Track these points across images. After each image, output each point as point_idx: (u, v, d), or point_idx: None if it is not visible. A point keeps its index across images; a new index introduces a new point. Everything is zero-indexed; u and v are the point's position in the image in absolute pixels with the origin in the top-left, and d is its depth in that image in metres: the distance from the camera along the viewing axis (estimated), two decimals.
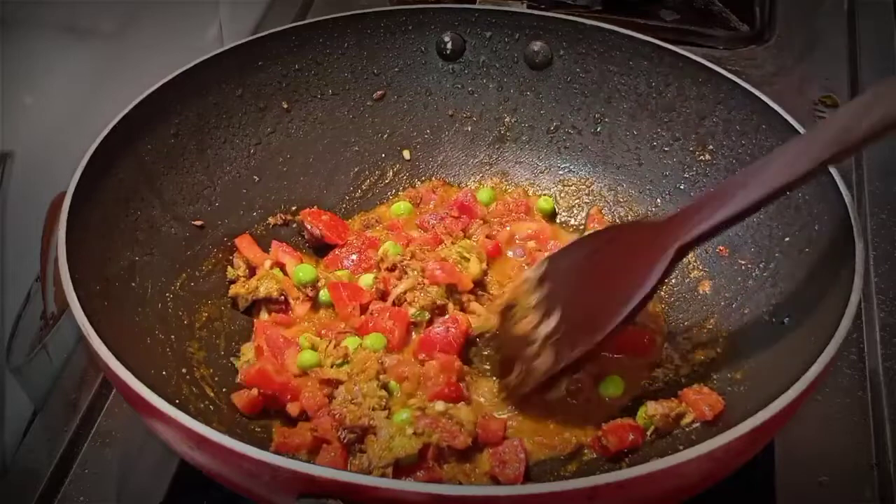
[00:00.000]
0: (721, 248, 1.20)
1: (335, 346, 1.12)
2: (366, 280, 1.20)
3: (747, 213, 0.96)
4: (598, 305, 1.04)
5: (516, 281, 1.17)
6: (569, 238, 1.30)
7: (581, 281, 1.09)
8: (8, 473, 1.14)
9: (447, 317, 1.15)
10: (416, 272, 1.17)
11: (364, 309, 1.17)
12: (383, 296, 1.18)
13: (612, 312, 1.02)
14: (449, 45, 1.36)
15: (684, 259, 1.22)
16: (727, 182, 1.02)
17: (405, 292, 1.17)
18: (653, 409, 1.04)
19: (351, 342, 1.12)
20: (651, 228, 1.05)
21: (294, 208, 1.30)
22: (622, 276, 1.03)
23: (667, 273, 1.00)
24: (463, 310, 1.18)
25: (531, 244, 1.28)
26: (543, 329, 1.07)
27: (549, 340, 1.06)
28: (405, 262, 1.19)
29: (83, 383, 1.23)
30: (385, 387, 1.08)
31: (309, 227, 1.28)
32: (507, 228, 1.29)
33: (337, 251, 1.27)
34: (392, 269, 1.20)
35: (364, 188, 1.36)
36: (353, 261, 1.24)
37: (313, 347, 1.13)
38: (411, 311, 1.15)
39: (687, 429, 1.04)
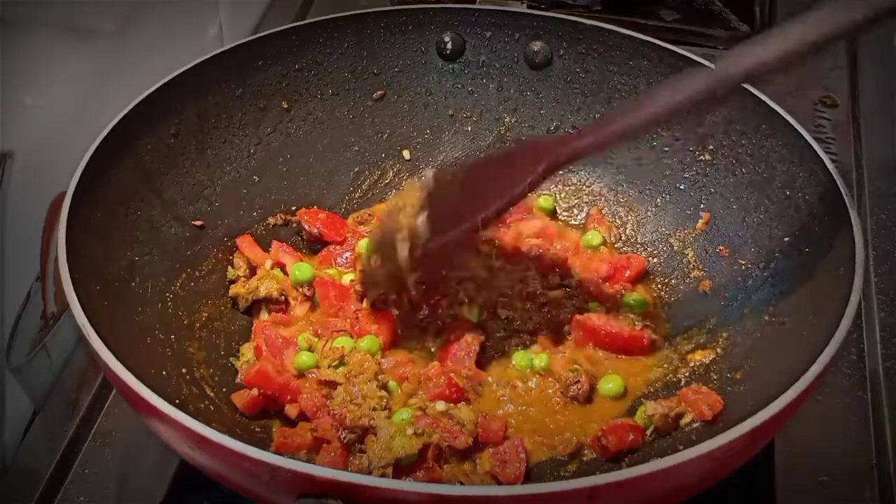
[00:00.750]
0: (721, 248, 1.20)
1: (330, 347, 1.12)
2: (348, 279, 1.22)
3: (619, 138, 1.03)
4: (465, 206, 1.09)
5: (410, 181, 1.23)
6: (573, 234, 1.31)
7: (459, 186, 1.13)
8: (8, 473, 1.14)
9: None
10: None
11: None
12: (363, 297, 1.19)
13: (474, 212, 1.06)
14: (449, 45, 1.36)
15: (684, 259, 1.23)
16: (611, 112, 1.09)
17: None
18: (652, 409, 1.04)
19: (345, 342, 1.13)
20: (532, 146, 1.11)
21: (294, 208, 1.30)
22: (493, 185, 1.08)
23: (529, 188, 1.05)
24: None
25: (537, 241, 1.28)
26: (412, 222, 1.09)
27: (413, 231, 1.09)
28: None
29: (83, 383, 1.24)
30: (385, 387, 1.08)
31: (307, 226, 1.28)
32: (513, 228, 1.29)
33: (331, 248, 1.27)
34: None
35: (364, 188, 1.36)
36: (346, 259, 1.25)
37: (311, 348, 1.13)
38: (395, 311, 1.16)
39: (687, 429, 1.04)
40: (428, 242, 1.07)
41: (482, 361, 1.13)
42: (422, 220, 1.08)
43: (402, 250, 1.08)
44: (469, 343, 1.13)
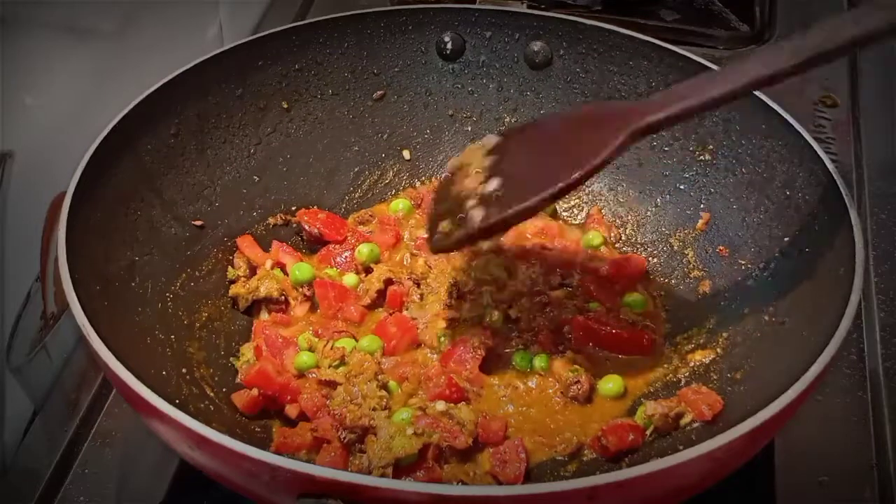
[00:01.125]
0: (721, 248, 1.20)
1: (331, 348, 1.12)
2: (349, 280, 1.22)
3: (704, 107, 0.99)
4: (540, 173, 1.04)
5: (473, 144, 1.16)
6: (574, 233, 1.31)
7: (531, 149, 1.10)
8: (8, 473, 1.14)
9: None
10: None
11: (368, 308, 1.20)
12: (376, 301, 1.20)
13: (550, 180, 1.01)
14: (449, 45, 1.36)
15: (684, 259, 1.23)
16: (690, 81, 1.03)
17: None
18: (652, 409, 1.04)
19: (346, 343, 1.13)
20: (610, 110, 1.06)
21: (294, 208, 1.30)
22: (570, 150, 1.04)
23: (615, 153, 1.00)
24: None
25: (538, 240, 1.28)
26: (484, 188, 1.06)
27: (487, 198, 1.05)
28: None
29: (83, 383, 1.24)
30: (385, 387, 1.08)
31: (307, 226, 1.28)
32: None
33: (331, 247, 1.27)
34: (368, 271, 1.23)
35: (364, 188, 1.36)
36: (345, 258, 1.25)
37: (311, 348, 1.13)
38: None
39: (687, 429, 1.04)
40: (502, 211, 1.02)
41: (483, 362, 1.13)
42: (494, 186, 1.05)
43: (475, 218, 1.04)
44: (476, 347, 1.13)
